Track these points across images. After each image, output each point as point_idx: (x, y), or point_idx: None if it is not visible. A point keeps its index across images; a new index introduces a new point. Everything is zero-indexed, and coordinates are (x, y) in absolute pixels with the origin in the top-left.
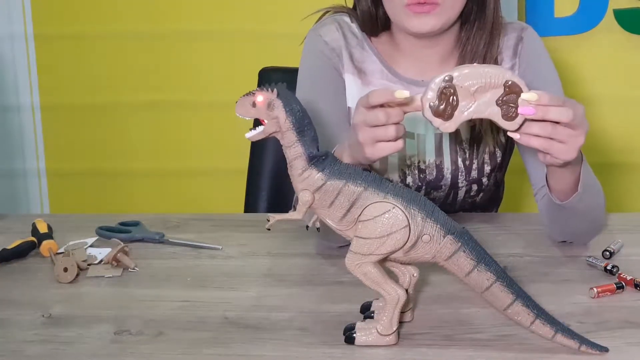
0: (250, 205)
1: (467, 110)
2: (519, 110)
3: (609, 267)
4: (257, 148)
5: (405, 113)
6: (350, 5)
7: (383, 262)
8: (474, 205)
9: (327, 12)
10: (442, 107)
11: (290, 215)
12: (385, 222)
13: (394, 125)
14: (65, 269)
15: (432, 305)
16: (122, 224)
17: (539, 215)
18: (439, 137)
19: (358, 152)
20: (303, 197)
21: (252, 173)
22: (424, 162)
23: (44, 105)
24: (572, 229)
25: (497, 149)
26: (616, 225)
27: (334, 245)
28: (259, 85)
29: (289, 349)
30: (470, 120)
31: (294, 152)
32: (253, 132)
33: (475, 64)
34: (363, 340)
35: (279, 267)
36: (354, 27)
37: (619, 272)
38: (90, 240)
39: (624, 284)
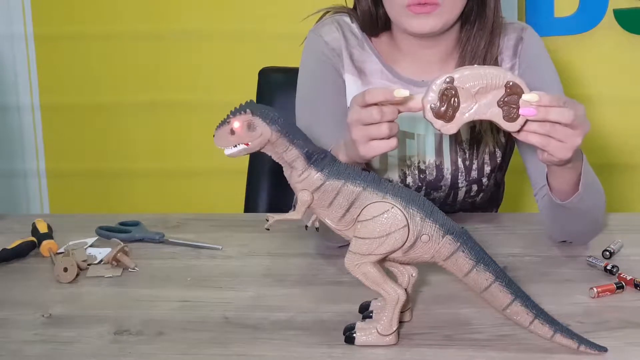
0: (250, 205)
1: (468, 112)
2: (520, 111)
3: (609, 267)
4: None
5: (400, 112)
6: (350, 5)
7: (382, 262)
8: (474, 205)
9: (327, 12)
10: (443, 108)
11: (290, 215)
12: (384, 222)
13: (387, 123)
14: (65, 269)
15: (431, 305)
16: (122, 224)
17: (539, 215)
18: (439, 138)
19: (352, 151)
20: (302, 197)
21: (252, 173)
22: (424, 163)
23: (44, 105)
24: (573, 229)
25: (497, 150)
26: (616, 225)
27: (333, 245)
28: (258, 85)
29: (289, 349)
30: (470, 121)
31: (291, 154)
32: (233, 150)
33: (476, 65)
34: (363, 340)
35: (279, 267)
36: (354, 27)
37: (619, 272)
38: (90, 240)
39: (624, 284)
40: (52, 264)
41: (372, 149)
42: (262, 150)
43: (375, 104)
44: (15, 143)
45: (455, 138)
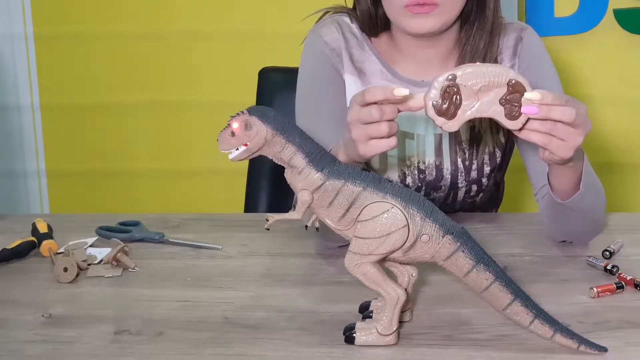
0: (250, 205)
1: (470, 110)
2: (522, 109)
3: (609, 267)
4: None
5: (399, 111)
6: (350, 5)
7: (382, 262)
8: (474, 205)
9: (327, 12)
10: (445, 106)
11: (289, 215)
12: (384, 222)
13: (387, 122)
14: (65, 269)
15: (431, 305)
16: (122, 224)
17: (539, 215)
18: (439, 138)
19: (352, 150)
20: (302, 196)
21: (252, 173)
22: (424, 163)
23: (44, 105)
24: (573, 229)
25: (496, 150)
26: (616, 225)
27: (333, 245)
28: (258, 85)
29: (289, 349)
30: (470, 121)
31: (288, 152)
32: (236, 153)
33: (478, 63)
34: (363, 340)
35: (279, 267)
36: (354, 27)
37: (619, 272)
38: (90, 240)
39: (624, 284)
40: (52, 264)
41: (372, 148)
42: (261, 153)
43: (375, 103)
44: (15, 143)
45: (454, 138)
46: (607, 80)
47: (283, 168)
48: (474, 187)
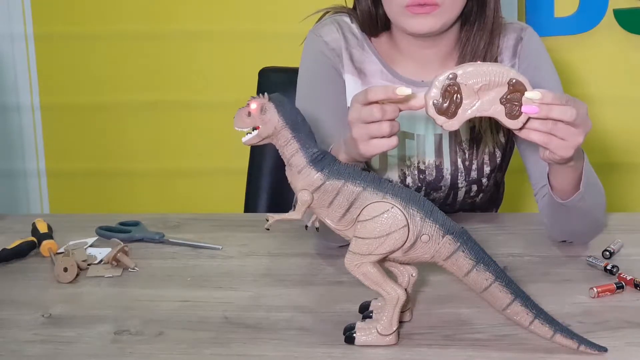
0: (250, 205)
1: (470, 109)
2: (523, 108)
3: (609, 267)
4: (257, 148)
5: (400, 110)
6: (350, 5)
7: (382, 262)
8: (474, 205)
9: (327, 12)
10: (445, 105)
11: (289, 215)
12: (384, 222)
13: (388, 122)
14: (65, 269)
15: (432, 305)
16: (122, 224)
17: (539, 215)
18: (439, 138)
19: (352, 149)
20: (302, 196)
21: (252, 173)
22: (424, 163)
23: (44, 105)
24: (573, 229)
25: (496, 150)
26: (616, 225)
27: (333, 245)
28: (258, 85)
29: (289, 349)
30: (470, 121)
31: (291, 149)
32: (249, 136)
33: (479, 62)
34: (363, 340)
35: (279, 267)
36: (354, 27)
37: (619, 272)
38: (90, 240)
39: (624, 284)
40: (52, 264)
41: (373, 147)
42: (270, 141)
43: (377, 102)
44: (15, 143)
45: (454, 138)
46: (607, 80)
47: (283, 168)
48: (474, 188)
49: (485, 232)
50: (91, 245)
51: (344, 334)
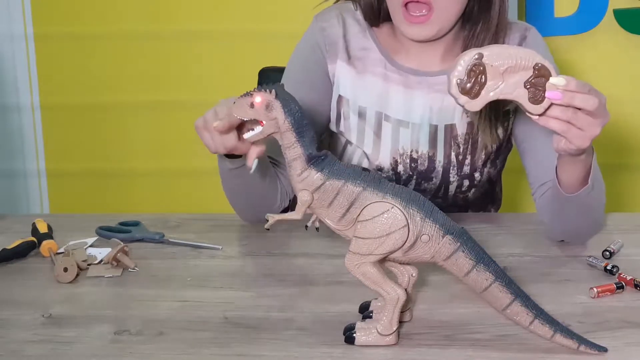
0: None
1: (493, 90)
2: (547, 94)
3: (609, 267)
4: None
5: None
6: None
7: (382, 262)
8: (466, 200)
9: (336, 0)
10: (469, 84)
11: (289, 215)
12: (384, 222)
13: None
14: (65, 269)
15: (432, 305)
16: (122, 224)
17: (538, 214)
18: (434, 129)
19: None
20: (302, 197)
21: None
22: (417, 152)
23: (44, 105)
24: (574, 226)
25: (491, 146)
26: (616, 225)
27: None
28: (258, 84)
29: (289, 349)
30: (468, 116)
31: (294, 152)
32: (252, 133)
33: (505, 44)
34: (363, 340)
35: (279, 267)
36: (359, 14)
37: (619, 272)
38: (90, 240)
39: (624, 284)
40: (52, 264)
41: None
42: (271, 137)
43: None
44: (15, 143)
45: (450, 131)
46: (607, 80)
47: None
48: (466, 182)
49: (485, 232)
50: (91, 245)
51: (344, 334)
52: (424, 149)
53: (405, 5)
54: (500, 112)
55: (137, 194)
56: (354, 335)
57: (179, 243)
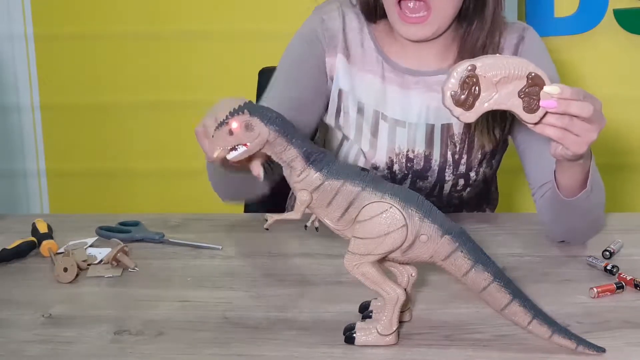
0: (250, 205)
1: (488, 101)
2: (541, 103)
3: (609, 267)
4: None
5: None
6: None
7: (382, 261)
8: (462, 199)
9: None
10: (463, 96)
11: (289, 215)
12: (382, 222)
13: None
14: (65, 269)
15: (432, 305)
16: (122, 224)
17: (537, 215)
18: (430, 129)
19: None
20: (301, 196)
21: None
22: (413, 152)
23: (44, 105)
24: (574, 227)
25: (487, 146)
26: (616, 225)
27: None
28: (258, 85)
29: (289, 349)
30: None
31: (289, 154)
32: (235, 153)
33: (498, 54)
34: (363, 340)
35: (279, 267)
36: (358, 10)
37: (619, 272)
38: (90, 240)
39: (624, 284)
40: (52, 264)
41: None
42: (262, 151)
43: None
44: (15, 143)
45: (447, 131)
46: (607, 80)
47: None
48: (461, 181)
49: (485, 232)
50: (91, 245)
51: (344, 334)
52: (420, 148)
53: (399, 3)
54: (498, 114)
55: (137, 194)
56: (354, 335)
57: (179, 243)
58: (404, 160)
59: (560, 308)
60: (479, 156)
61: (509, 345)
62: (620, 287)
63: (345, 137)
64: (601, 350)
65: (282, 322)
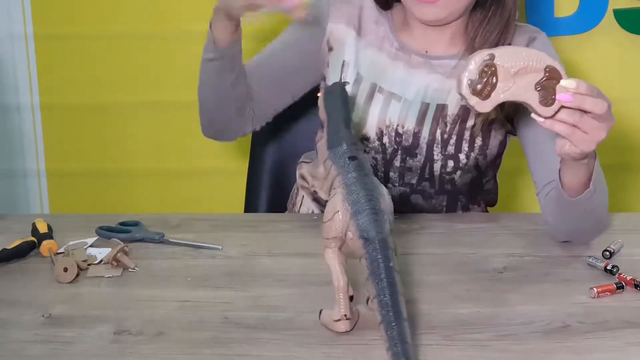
0: (250, 205)
1: (504, 92)
2: (557, 96)
3: (609, 267)
4: (257, 148)
5: None
6: None
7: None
8: (454, 184)
9: None
10: (480, 85)
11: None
12: (329, 208)
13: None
14: (65, 269)
15: (432, 305)
16: (122, 224)
17: (539, 215)
18: (425, 107)
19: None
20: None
21: (251, 173)
22: (402, 127)
23: (44, 105)
24: (578, 227)
25: (479, 137)
26: (616, 225)
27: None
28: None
29: (289, 349)
30: (463, 99)
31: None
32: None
33: (517, 46)
34: (322, 319)
35: (279, 267)
36: None
37: (619, 272)
38: (90, 240)
39: (624, 284)
40: (52, 264)
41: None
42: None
43: None
44: (15, 143)
45: (441, 111)
46: (607, 80)
47: (283, 168)
48: (450, 163)
49: (485, 232)
50: (91, 245)
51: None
52: (410, 125)
53: None
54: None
55: (137, 194)
56: (321, 311)
57: (179, 243)
58: (393, 134)
59: (560, 308)
60: (468, 138)
61: (509, 345)
62: (620, 287)
63: None
64: None
65: (282, 322)
